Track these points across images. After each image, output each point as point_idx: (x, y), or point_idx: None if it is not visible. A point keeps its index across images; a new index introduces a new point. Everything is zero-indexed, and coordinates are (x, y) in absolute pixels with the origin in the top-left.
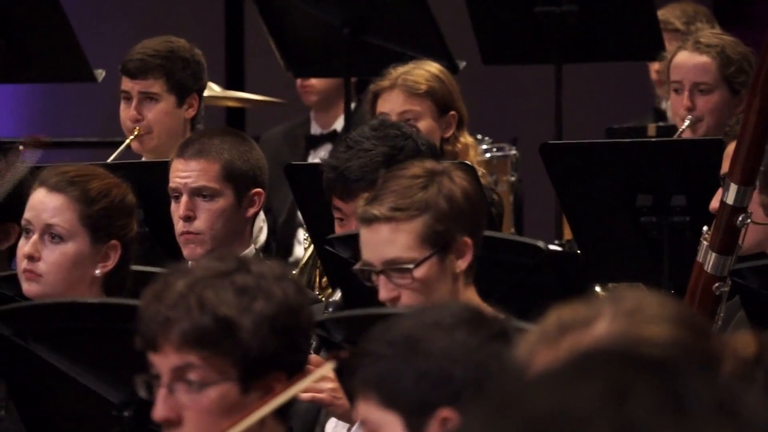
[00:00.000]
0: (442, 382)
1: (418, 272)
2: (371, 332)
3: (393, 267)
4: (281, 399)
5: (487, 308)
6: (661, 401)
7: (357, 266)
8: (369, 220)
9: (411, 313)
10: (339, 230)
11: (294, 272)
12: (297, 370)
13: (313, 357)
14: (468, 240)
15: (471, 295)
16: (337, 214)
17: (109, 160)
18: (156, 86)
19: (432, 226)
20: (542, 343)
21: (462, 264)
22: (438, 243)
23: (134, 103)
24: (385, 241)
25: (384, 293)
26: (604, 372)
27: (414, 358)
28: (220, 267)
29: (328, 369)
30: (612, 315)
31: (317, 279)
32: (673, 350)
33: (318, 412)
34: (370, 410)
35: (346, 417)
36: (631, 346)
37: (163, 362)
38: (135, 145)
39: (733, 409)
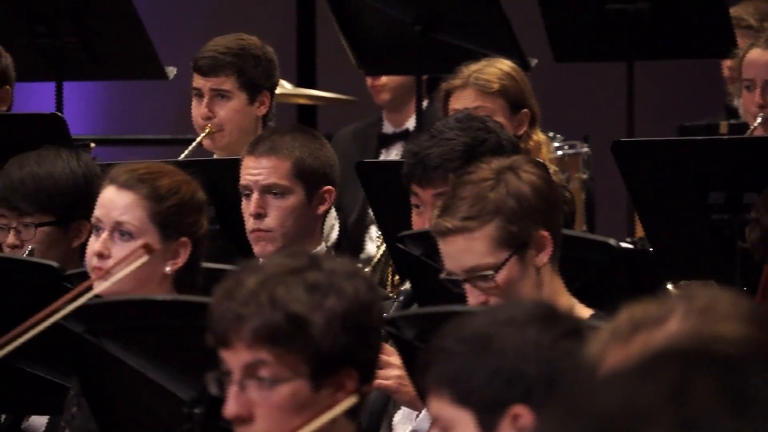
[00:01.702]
0: (515, 380)
1: (500, 276)
2: (444, 329)
3: (475, 275)
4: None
5: (571, 299)
6: (723, 398)
7: (442, 276)
8: (443, 233)
9: (484, 310)
10: (416, 218)
11: (366, 270)
12: (368, 366)
13: (384, 345)
14: (545, 233)
15: (557, 286)
16: (414, 200)
17: (180, 158)
18: (227, 83)
19: (505, 228)
20: (614, 342)
21: (543, 257)
22: (514, 243)
23: (206, 100)
24: (462, 251)
25: (472, 300)
26: (669, 370)
27: (487, 356)
28: (292, 264)
29: (350, 403)
30: (684, 313)
31: (389, 277)
32: (746, 348)
33: (386, 403)
34: (442, 407)
35: (413, 404)
36: (701, 344)
37: (235, 359)
38: (206, 143)
39: None
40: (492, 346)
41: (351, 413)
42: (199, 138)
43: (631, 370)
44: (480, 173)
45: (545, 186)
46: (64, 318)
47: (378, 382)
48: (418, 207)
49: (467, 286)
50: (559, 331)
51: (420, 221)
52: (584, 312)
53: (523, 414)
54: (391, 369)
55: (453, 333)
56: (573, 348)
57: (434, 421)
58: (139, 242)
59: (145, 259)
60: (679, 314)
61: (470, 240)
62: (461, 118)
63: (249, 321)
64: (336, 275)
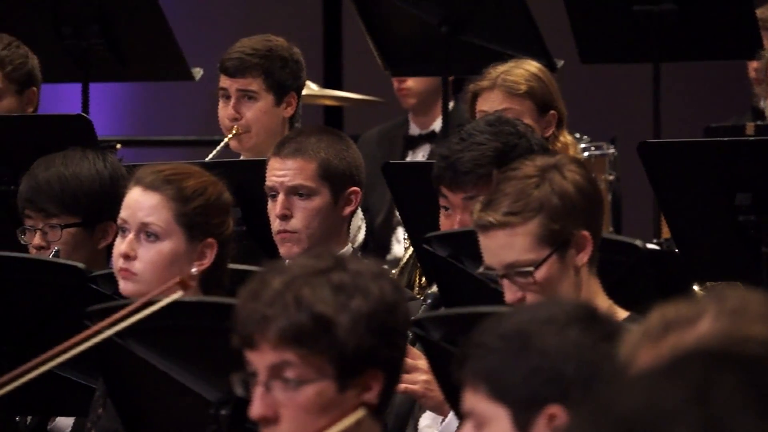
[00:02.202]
0: (553, 379)
1: (539, 273)
2: (482, 325)
3: (514, 270)
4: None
5: (608, 301)
6: (747, 398)
7: (480, 270)
8: (485, 227)
9: (524, 308)
10: (444, 220)
11: (393, 271)
12: (394, 367)
13: (411, 349)
14: (586, 233)
15: (594, 287)
16: (443, 202)
17: (207, 159)
18: (254, 85)
19: (547, 226)
20: (645, 341)
21: (583, 257)
22: (555, 241)
23: (233, 101)
24: (503, 246)
25: (509, 295)
26: (693, 371)
27: (526, 354)
28: (317, 265)
29: (357, 417)
30: (716, 313)
31: (417, 279)
32: None
33: (412, 406)
34: (478, 402)
35: (439, 409)
36: (727, 345)
37: (260, 360)
38: (233, 144)
39: None
40: (532, 344)
41: (376, 414)
42: (226, 139)
43: (656, 371)
44: (525, 170)
45: (589, 186)
46: (89, 319)
47: (405, 386)
48: (447, 209)
49: (505, 282)
50: (599, 334)
51: (448, 223)
52: (620, 314)
53: (559, 415)
54: (419, 373)
55: (492, 329)
56: (613, 351)
57: (468, 415)
58: (167, 246)
59: (180, 294)
60: (710, 315)
61: (512, 235)
62: (492, 122)
63: (274, 322)
64: (361, 276)
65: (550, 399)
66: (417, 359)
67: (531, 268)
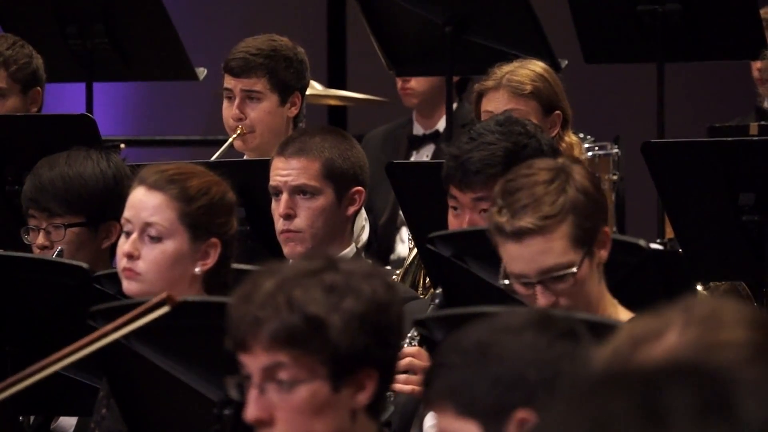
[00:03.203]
0: (516, 385)
1: (579, 274)
2: (443, 344)
3: (552, 275)
4: None
5: (613, 300)
6: (642, 419)
7: (505, 282)
8: (519, 234)
9: (481, 321)
10: (452, 219)
11: (398, 272)
12: (388, 366)
13: (406, 350)
14: (607, 229)
15: (603, 285)
16: (452, 203)
17: (212, 159)
18: (259, 85)
19: (580, 225)
20: (615, 361)
21: (604, 254)
22: (587, 240)
23: (237, 101)
24: (540, 252)
25: (543, 301)
26: (592, 401)
27: (486, 364)
28: (309, 266)
29: None
30: (683, 324)
31: (422, 279)
32: (748, 352)
33: (417, 405)
34: (447, 421)
35: None
36: (699, 353)
37: (254, 362)
38: (238, 144)
39: (723, 411)
40: (490, 354)
41: (373, 413)
42: (230, 139)
43: (562, 401)
44: (541, 176)
45: (597, 183)
46: (92, 319)
47: (412, 387)
48: (456, 209)
49: (538, 288)
50: (554, 333)
51: (457, 222)
52: (623, 315)
53: (529, 418)
54: None
55: (451, 346)
56: (570, 348)
57: None
58: (171, 245)
59: (167, 309)
60: (677, 326)
61: (550, 240)
62: (502, 121)
63: (267, 324)
64: (353, 276)
65: (517, 404)
66: (425, 361)
67: (573, 270)
